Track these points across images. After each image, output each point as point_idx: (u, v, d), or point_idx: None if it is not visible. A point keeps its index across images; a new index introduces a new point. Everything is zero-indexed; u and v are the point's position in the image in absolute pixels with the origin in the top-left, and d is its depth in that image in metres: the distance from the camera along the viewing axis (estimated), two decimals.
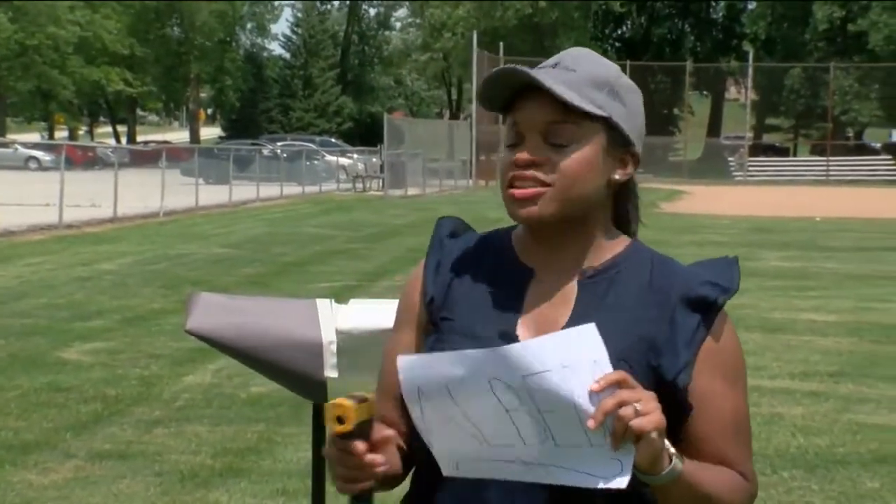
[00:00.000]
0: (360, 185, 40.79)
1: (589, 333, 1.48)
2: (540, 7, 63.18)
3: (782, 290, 12.81)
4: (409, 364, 1.54)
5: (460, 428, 1.54)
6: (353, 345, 2.37)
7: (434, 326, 1.72)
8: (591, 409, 1.45)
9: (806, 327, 10.34)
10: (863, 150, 62.65)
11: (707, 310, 1.64)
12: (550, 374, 1.47)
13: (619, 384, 1.45)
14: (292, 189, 35.62)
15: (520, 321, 1.66)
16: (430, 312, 1.73)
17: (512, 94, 1.67)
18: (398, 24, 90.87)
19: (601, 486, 1.48)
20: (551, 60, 1.69)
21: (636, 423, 1.43)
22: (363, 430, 1.51)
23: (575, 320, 1.61)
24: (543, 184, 1.62)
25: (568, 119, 1.62)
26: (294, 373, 2.38)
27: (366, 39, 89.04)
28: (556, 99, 1.61)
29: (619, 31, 76.10)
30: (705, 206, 30.33)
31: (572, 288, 1.67)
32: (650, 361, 1.61)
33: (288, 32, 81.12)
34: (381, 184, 38.82)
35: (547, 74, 1.63)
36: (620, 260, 1.69)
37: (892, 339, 9.83)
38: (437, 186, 40.45)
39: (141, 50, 67.48)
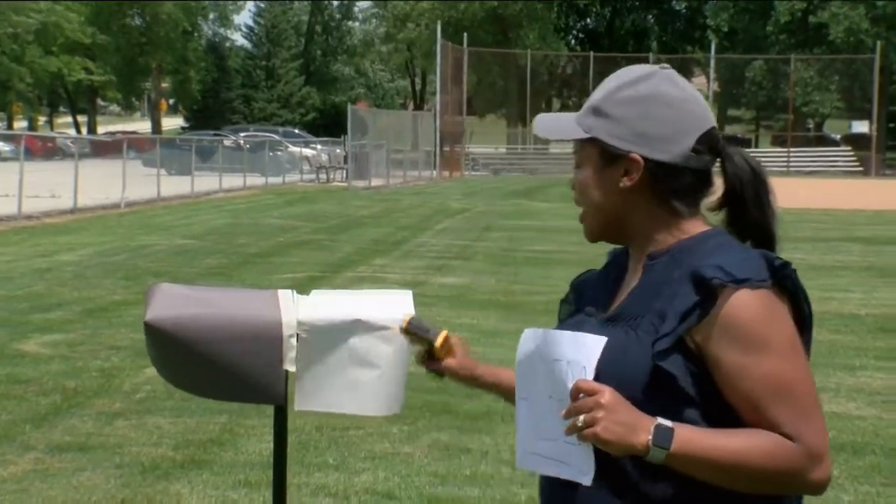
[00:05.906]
0: (323, 176, 40.68)
1: (594, 343, 1.74)
2: None
3: None
4: (522, 338, 1.87)
5: (533, 414, 1.82)
6: (315, 335, 2.36)
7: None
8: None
9: None
10: (823, 141, 63.22)
11: (707, 289, 1.76)
12: (561, 363, 1.76)
13: (588, 393, 1.70)
14: (255, 180, 35.48)
15: (604, 302, 1.93)
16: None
17: None
18: (361, 15, 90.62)
19: (581, 479, 1.74)
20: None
21: (586, 432, 1.69)
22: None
23: (629, 298, 1.87)
24: (578, 203, 1.95)
25: (577, 146, 1.92)
26: (253, 366, 2.36)
27: (329, 30, 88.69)
28: None
29: (583, 23, 76.34)
30: None
31: (640, 272, 1.90)
32: (658, 329, 1.78)
33: (250, 23, 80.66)
34: (344, 175, 38.74)
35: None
36: (678, 246, 1.86)
37: (850, 329, 9.93)
38: (402, 177, 40.43)
39: (101, 39, 66.76)
